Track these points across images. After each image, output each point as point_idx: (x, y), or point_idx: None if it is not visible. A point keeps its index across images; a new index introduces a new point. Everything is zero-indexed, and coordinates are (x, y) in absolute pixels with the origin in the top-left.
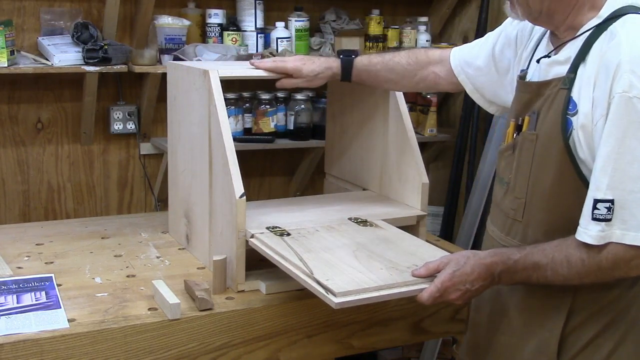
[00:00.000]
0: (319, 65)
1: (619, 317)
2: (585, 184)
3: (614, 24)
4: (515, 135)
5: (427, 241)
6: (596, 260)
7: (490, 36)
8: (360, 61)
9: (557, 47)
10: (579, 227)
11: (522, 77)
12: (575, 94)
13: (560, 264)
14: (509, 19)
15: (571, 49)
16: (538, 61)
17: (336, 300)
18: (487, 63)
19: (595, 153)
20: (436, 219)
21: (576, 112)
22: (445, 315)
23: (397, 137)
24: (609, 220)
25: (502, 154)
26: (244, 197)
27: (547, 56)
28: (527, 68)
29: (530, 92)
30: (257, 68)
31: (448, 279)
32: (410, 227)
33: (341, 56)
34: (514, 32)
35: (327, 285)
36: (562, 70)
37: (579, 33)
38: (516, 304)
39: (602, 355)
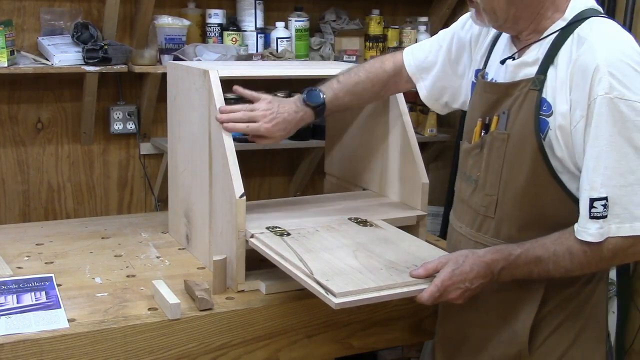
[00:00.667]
0: (290, 121)
1: (579, 307)
2: (558, 181)
3: (579, 27)
4: (482, 134)
5: (427, 241)
6: (598, 252)
7: (443, 40)
8: (329, 101)
9: (522, 49)
10: (577, 227)
11: (482, 77)
12: (548, 95)
13: (563, 257)
14: (458, 23)
15: (538, 51)
16: (502, 62)
17: (336, 300)
18: (445, 69)
19: (573, 151)
20: (436, 219)
21: (551, 113)
22: None
23: (397, 137)
24: (605, 217)
25: (468, 153)
26: (244, 197)
27: (512, 58)
28: (485, 68)
29: (498, 93)
30: (227, 129)
31: (448, 277)
32: (410, 227)
33: (309, 102)
34: (467, 36)
35: (327, 285)
36: (531, 71)
37: (544, 35)
38: (489, 298)
39: (569, 339)
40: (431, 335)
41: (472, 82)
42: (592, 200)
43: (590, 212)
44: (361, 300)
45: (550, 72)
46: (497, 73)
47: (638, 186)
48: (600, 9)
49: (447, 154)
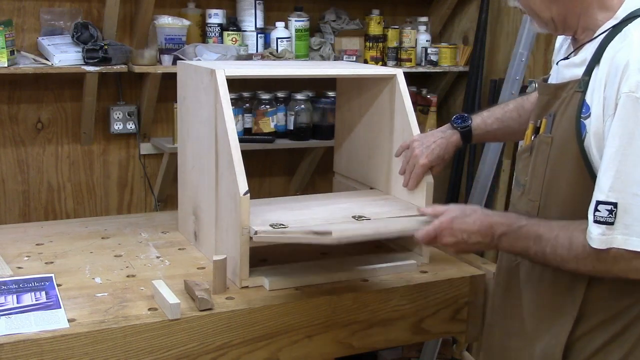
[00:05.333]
0: (444, 149)
1: (629, 328)
2: None
3: (629, 25)
4: (533, 137)
5: None
6: (598, 252)
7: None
8: (477, 126)
9: (576, 49)
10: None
11: (545, 79)
12: (588, 96)
13: (562, 244)
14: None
15: (587, 51)
16: (557, 63)
17: (334, 235)
18: None
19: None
20: None
21: (589, 115)
22: (445, 315)
23: (402, 137)
24: (611, 223)
25: (520, 156)
26: (248, 195)
27: (566, 58)
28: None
29: (549, 94)
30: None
31: (448, 221)
32: None
33: (458, 127)
34: (554, 57)
35: (323, 230)
36: (578, 72)
37: (596, 35)
38: (528, 305)
39: None
40: (431, 336)
41: None
42: (597, 203)
43: (594, 216)
44: (358, 236)
45: (594, 72)
46: (553, 74)
47: None
48: None
49: None
